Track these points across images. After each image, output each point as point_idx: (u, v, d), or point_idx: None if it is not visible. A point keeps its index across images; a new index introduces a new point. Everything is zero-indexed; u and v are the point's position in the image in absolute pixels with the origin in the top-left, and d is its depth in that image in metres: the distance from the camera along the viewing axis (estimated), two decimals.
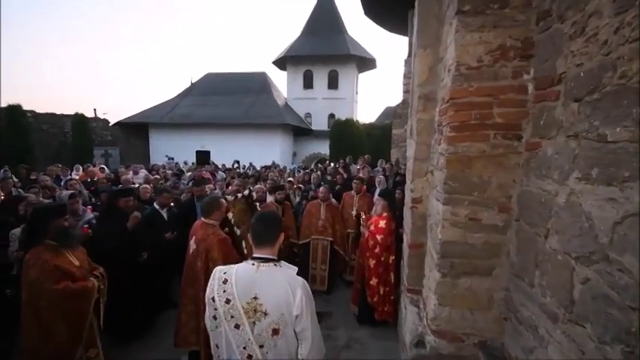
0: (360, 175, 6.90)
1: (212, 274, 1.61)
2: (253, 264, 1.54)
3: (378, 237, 3.45)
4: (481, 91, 1.78)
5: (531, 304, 1.62)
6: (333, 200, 5.41)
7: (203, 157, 18.40)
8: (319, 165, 11.95)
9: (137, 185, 5.51)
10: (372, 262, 3.50)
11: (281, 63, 21.78)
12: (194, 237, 2.74)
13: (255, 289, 1.48)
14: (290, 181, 6.37)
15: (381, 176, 5.94)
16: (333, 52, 19.72)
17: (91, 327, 2.67)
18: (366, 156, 8.25)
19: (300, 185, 6.12)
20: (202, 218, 2.77)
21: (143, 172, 7.62)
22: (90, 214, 4.05)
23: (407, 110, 9.23)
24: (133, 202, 4.14)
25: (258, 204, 3.71)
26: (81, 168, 8.25)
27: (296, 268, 1.99)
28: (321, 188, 4.67)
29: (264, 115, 18.55)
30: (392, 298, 3.58)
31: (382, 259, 3.46)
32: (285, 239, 4.63)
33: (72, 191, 3.65)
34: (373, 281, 3.52)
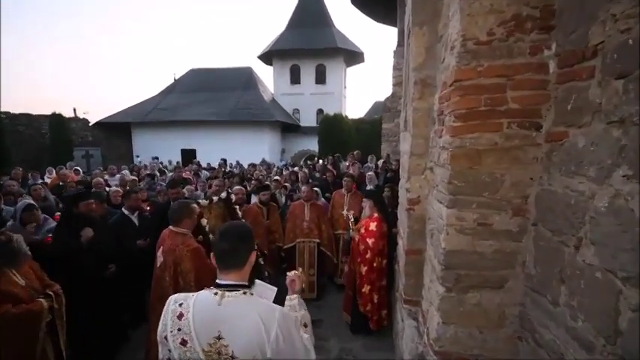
0: (351, 171, 6.62)
1: (165, 306, 1.27)
2: (216, 293, 1.22)
3: (369, 241, 3.17)
4: (492, 71, 1.49)
5: (555, 326, 1.35)
6: (323, 200, 5.11)
7: (189, 155, 17.83)
8: (308, 162, 11.59)
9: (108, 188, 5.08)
10: (363, 269, 3.22)
11: (267, 57, 21.22)
12: (161, 247, 2.39)
13: (218, 326, 1.16)
14: (277, 179, 6.02)
15: (370, 173, 5.65)
16: (320, 46, 19.29)
17: (44, 354, 2.33)
18: (355, 152, 7.93)
19: (286, 184, 5.78)
20: (171, 226, 2.42)
21: (123, 173, 7.12)
22: (53, 223, 3.64)
23: (396, 104, 8.98)
24: (102, 206, 3.75)
25: (238, 207, 3.37)
26: (54, 171, 7.68)
27: (274, 291, 1.69)
28: (304, 187, 4.35)
29: (250, 111, 18.04)
30: (386, 304, 3.31)
31: (374, 264, 3.18)
32: (272, 242, 4.38)
33: (28, 202, 3.22)
34: (365, 288, 3.24)
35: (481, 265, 1.61)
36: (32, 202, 3.33)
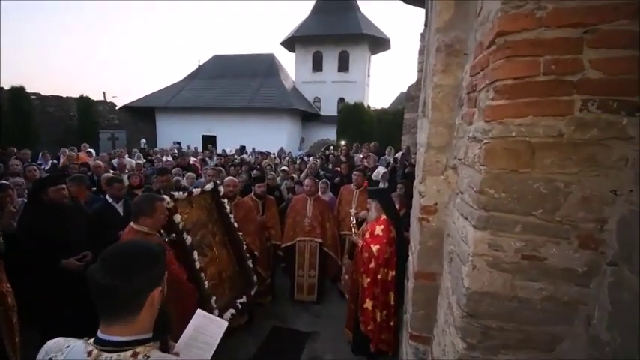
0: (365, 164, 6.06)
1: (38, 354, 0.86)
2: (90, 351, 0.78)
3: (374, 248, 2.66)
4: (561, 17, 0.93)
5: None
6: (330, 195, 4.62)
7: (209, 142, 17.88)
8: (326, 152, 11.05)
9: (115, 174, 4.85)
10: (365, 280, 2.73)
11: (289, 44, 20.65)
12: None
13: None
14: (284, 170, 5.59)
15: (381, 168, 5.01)
16: (344, 32, 18.42)
17: None
18: (372, 143, 7.27)
19: (293, 175, 5.33)
20: (132, 223, 2.04)
21: (129, 160, 6.97)
22: None
23: (419, 92, 8.23)
24: (85, 192, 3.47)
25: (226, 201, 2.95)
26: (67, 151, 7.69)
27: (222, 327, 1.25)
28: (307, 180, 3.87)
29: (271, 99, 17.70)
30: (392, 324, 2.81)
31: (379, 275, 2.68)
32: (267, 240, 3.98)
33: (2, 182, 2.98)
34: (367, 304, 2.76)
35: (523, 317, 1.08)
36: (5, 182, 3.08)
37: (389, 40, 19.60)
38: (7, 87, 12.35)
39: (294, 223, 3.73)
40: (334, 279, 4.29)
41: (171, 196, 2.33)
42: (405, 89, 11.07)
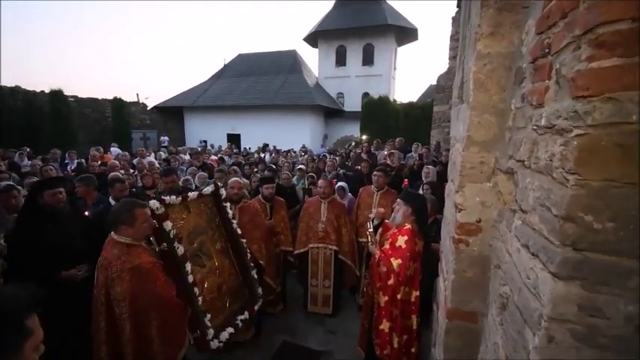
0: (389, 162, 5.57)
1: None
2: None
3: (394, 262, 2.23)
4: None
5: None
6: (350, 196, 4.22)
7: (234, 140, 18.07)
8: (347, 148, 10.59)
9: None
10: (382, 298, 2.32)
11: (312, 39, 20.28)
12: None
13: None
14: (301, 168, 5.24)
15: (431, 168, 4.44)
16: (369, 23, 17.72)
17: None
18: (397, 139, 6.70)
19: (312, 174, 4.97)
20: (112, 233, 1.78)
21: (150, 160, 6.97)
22: None
23: (451, 83, 7.56)
24: (92, 193, 3.32)
25: (229, 205, 2.66)
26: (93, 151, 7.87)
27: None
28: (321, 181, 3.48)
29: (293, 96, 17.48)
30: (413, 351, 2.38)
31: (399, 295, 2.25)
32: (276, 245, 3.66)
33: (7, 183, 2.89)
34: (384, 325, 2.34)
35: None
36: (12, 182, 2.99)
37: (416, 30, 18.64)
38: (47, 90, 13.04)
39: (307, 228, 3.37)
40: (352, 290, 3.90)
41: (162, 201, 2.06)
42: (434, 82, 10.36)
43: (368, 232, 2.48)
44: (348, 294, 3.92)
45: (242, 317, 2.41)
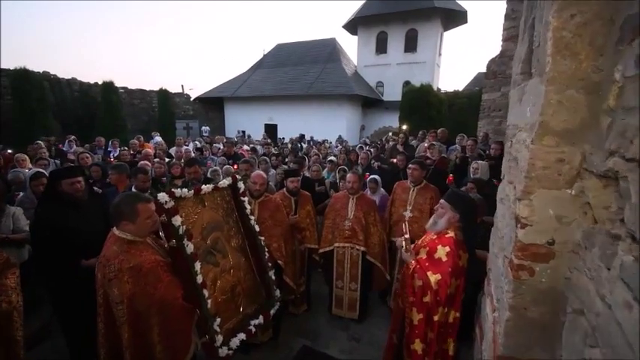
0: (428, 155, 5.06)
1: None
2: None
3: (432, 277, 1.88)
4: None
5: None
6: (382, 191, 3.87)
7: (271, 130, 18.29)
8: (382, 140, 10.03)
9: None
10: (416, 317, 1.99)
11: (352, 27, 19.58)
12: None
13: None
14: (331, 160, 4.96)
15: (481, 162, 3.91)
16: (413, 7, 16.60)
17: None
18: (439, 130, 6.06)
19: (344, 167, 4.67)
20: (114, 229, 1.67)
21: (186, 147, 7.13)
22: None
23: (505, 67, 6.68)
24: (125, 180, 3.35)
25: (247, 199, 2.47)
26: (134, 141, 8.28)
27: None
28: (349, 175, 3.15)
29: (330, 85, 17.11)
30: None
31: (436, 317, 1.91)
32: (301, 243, 3.14)
33: (37, 170, 3.00)
34: (417, 346, 2.02)
35: None
36: (41, 170, 3.09)
37: (465, 13, 17.12)
38: (99, 82, 14.10)
39: (333, 226, 3.10)
40: (383, 293, 3.58)
41: (172, 194, 1.92)
42: (482, 70, 9.32)
43: (403, 239, 2.13)
44: (376, 296, 3.62)
45: (256, 322, 2.24)
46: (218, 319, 1.95)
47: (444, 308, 1.89)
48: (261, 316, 2.28)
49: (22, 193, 3.03)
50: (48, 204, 2.36)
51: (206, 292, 1.93)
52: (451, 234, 1.96)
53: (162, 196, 1.86)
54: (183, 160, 4.81)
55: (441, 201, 2.11)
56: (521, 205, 0.90)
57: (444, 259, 1.88)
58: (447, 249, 1.89)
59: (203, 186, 2.17)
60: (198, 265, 1.93)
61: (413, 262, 2.05)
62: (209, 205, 2.28)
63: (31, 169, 3.89)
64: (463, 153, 4.94)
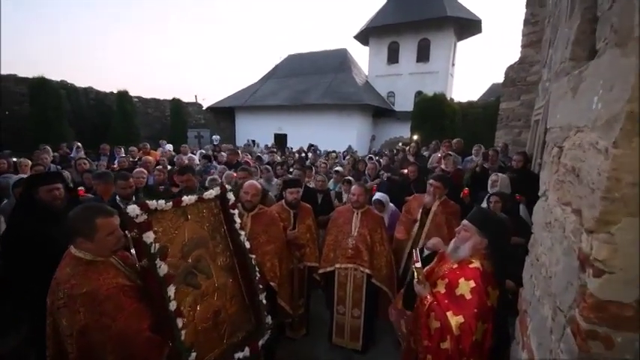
0: (442, 167, 4.72)
1: None
2: None
3: (453, 320, 1.54)
4: None
5: None
6: (391, 206, 3.54)
7: (280, 140, 18.24)
8: (392, 150, 9.70)
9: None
10: None
11: (364, 37, 19.57)
12: None
13: None
14: (338, 171, 4.68)
15: (501, 175, 3.52)
16: (425, 17, 16.45)
17: None
18: (455, 140, 5.70)
19: (350, 178, 4.38)
20: (71, 247, 1.42)
21: (191, 155, 7.00)
22: None
23: (526, 74, 6.33)
24: (110, 189, 3.13)
25: (236, 213, 2.21)
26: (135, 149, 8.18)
27: None
28: (354, 187, 2.84)
29: (341, 95, 16.99)
30: None
31: None
32: (300, 261, 2.75)
33: (21, 176, 2.84)
34: None
35: None
36: (25, 175, 2.92)
37: (480, 22, 16.83)
38: (114, 91, 14.39)
39: (335, 243, 2.79)
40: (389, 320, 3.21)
41: (145, 206, 1.68)
42: (498, 80, 8.92)
43: (414, 268, 1.79)
44: (383, 324, 3.25)
45: (241, 355, 1.94)
46: (194, 354, 1.67)
47: (468, 359, 1.54)
48: (247, 348, 1.97)
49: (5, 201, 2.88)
50: (21, 212, 2.16)
51: (180, 322, 1.65)
52: (476, 264, 1.62)
53: (133, 209, 1.61)
54: (160, 167, 4.60)
55: (464, 222, 1.76)
56: (594, 240, 0.60)
57: (468, 296, 1.54)
58: (472, 284, 1.55)
59: (184, 197, 1.92)
60: (172, 290, 1.66)
61: (429, 297, 1.71)
62: (193, 218, 2.02)
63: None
64: (485, 160, 4.57)
